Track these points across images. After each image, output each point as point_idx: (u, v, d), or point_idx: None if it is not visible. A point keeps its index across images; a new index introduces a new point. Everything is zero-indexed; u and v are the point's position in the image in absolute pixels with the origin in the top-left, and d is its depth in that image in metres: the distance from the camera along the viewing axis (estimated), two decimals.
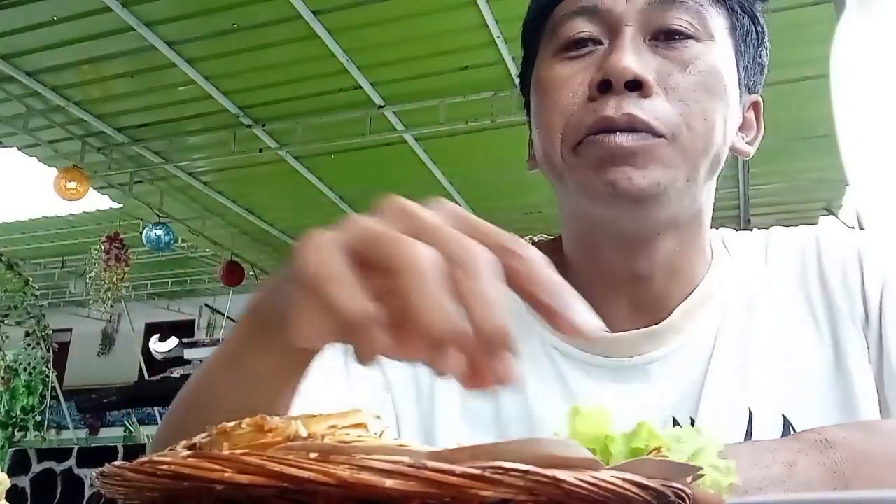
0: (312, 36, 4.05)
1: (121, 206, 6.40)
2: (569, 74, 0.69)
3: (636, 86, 0.65)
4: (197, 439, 0.34)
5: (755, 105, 0.78)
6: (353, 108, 4.81)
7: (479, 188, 5.82)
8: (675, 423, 0.71)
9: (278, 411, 0.56)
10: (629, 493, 0.30)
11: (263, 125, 5.04)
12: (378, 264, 0.36)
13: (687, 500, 0.34)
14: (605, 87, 0.66)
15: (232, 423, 0.33)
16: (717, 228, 0.84)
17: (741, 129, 0.76)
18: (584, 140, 0.67)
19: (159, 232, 6.20)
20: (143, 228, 6.27)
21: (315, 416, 0.34)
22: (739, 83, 0.72)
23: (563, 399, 0.74)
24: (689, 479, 0.37)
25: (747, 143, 0.77)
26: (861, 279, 0.74)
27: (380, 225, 0.38)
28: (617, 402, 0.54)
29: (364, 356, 0.36)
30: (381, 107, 4.78)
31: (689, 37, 0.68)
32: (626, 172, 0.65)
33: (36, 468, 2.21)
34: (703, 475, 0.41)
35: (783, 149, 5.14)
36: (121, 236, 6.55)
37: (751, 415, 0.71)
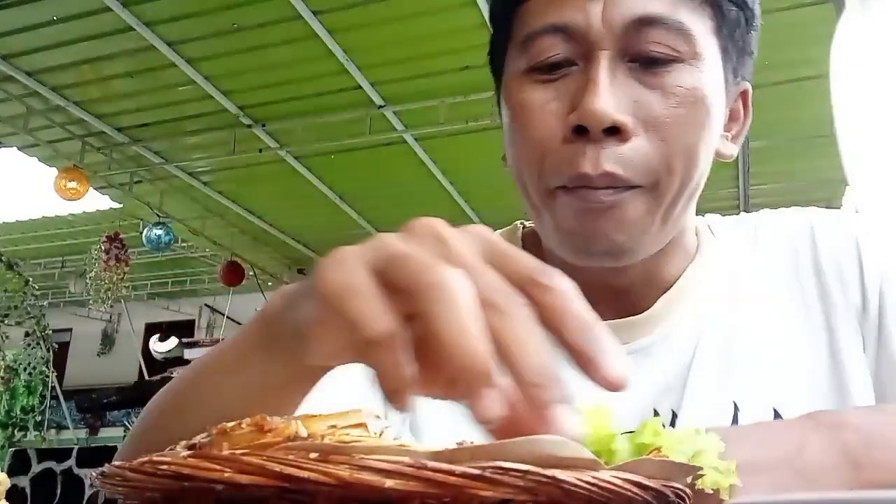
0: (312, 36, 4.05)
1: (121, 206, 6.40)
2: (542, 101, 0.66)
3: (614, 130, 0.62)
4: (197, 439, 0.34)
5: (744, 94, 0.74)
6: (353, 108, 4.81)
7: (479, 188, 5.82)
8: (656, 414, 0.69)
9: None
10: (629, 494, 0.30)
11: (263, 125, 5.04)
12: (404, 286, 0.34)
13: (687, 501, 0.34)
14: (581, 131, 0.63)
15: (232, 424, 0.33)
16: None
17: (728, 122, 0.73)
18: (560, 188, 0.65)
19: (159, 232, 6.19)
20: (143, 228, 6.27)
21: (315, 416, 0.34)
22: (727, 87, 0.69)
23: None
24: (689, 480, 0.37)
25: (733, 137, 0.74)
26: (859, 269, 0.72)
27: (408, 246, 0.35)
28: (596, 393, 0.52)
29: (389, 383, 0.33)
30: (381, 107, 4.78)
31: (671, 61, 0.64)
32: (603, 229, 0.64)
33: (36, 468, 2.21)
34: (703, 475, 0.41)
35: (783, 149, 5.14)
36: (121, 236, 6.55)
37: (737, 408, 0.69)
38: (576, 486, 0.29)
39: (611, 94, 0.62)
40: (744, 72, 0.72)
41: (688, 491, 0.35)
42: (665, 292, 0.73)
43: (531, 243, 0.80)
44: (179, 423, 0.54)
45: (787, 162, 5.37)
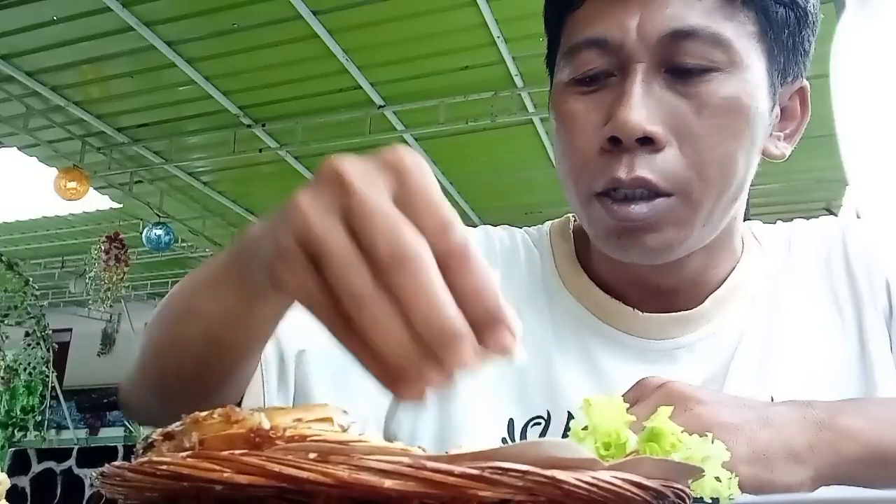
0: (312, 36, 4.04)
1: (121, 206, 6.40)
2: (582, 112, 0.68)
3: (647, 140, 0.64)
4: (171, 428, 0.35)
5: (800, 91, 0.74)
6: (353, 108, 4.81)
7: (479, 188, 5.81)
8: None
9: (245, 352, 0.56)
10: (628, 493, 0.30)
11: (263, 125, 5.04)
12: (372, 247, 0.35)
13: (687, 501, 0.34)
14: (616, 142, 0.65)
15: (204, 413, 0.34)
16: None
17: (780, 121, 0.73)
18: (596, 196, 0.67)
19: (159, 232, 6.19)
20: (143, 228, 6.27)
21: (281, 409, 0.34)
22: (774, 88, 0.69)
23: (587, 371, 0.74)
24: (689, 480, 0.37)
25: (787, 136, 0.75)
26: (886, 273, 0.75)
27: (365, 193, 0.37)
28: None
29: (349, 341, 0.35)
30: (381, 107, 4.78)
31: (706, 70, 0.64)
32: (639, 239, 0.66)
33: (36, 468, 2.21)
34: (703, 475, 0.41)
35: None
36: (121, 236, 6.55)
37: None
38: (575, 486, 0.29)
39: (643, 106, 0.64)
40: (797, 71, 0.72)
41: (687, 491, 0.35)
42: (713, 292, 0.75)
43: (581, 234, 0.82)
44: (172, 341, 0.58)
45: (787, 162, 5.34)
